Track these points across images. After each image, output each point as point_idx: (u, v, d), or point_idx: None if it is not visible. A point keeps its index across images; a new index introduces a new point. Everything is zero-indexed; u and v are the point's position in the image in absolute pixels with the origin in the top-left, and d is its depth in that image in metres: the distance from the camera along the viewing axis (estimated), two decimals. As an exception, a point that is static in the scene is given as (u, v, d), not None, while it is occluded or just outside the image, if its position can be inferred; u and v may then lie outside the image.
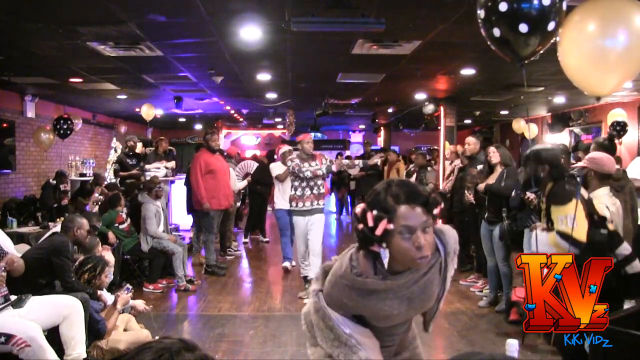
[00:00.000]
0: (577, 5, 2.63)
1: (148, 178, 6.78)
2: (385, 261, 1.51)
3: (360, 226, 1.47)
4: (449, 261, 1.64)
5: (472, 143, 5.64)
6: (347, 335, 1.52)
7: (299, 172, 5.29)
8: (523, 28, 2.51)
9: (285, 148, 6.92)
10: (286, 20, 4.27)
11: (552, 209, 3.06)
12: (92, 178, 8.28)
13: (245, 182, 7.82)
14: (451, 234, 1.65)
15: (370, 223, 1.43)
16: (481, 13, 2.67)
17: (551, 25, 2.53)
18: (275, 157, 7.19)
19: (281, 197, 6.56)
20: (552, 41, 2.66)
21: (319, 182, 5.44)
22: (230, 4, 4.14)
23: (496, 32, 2.61)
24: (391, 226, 1.42)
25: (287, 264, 6.61)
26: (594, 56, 2.58)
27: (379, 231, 1.42)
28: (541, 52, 2.68)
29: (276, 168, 6.72)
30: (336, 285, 1.54)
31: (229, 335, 4.31)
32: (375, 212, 1.43)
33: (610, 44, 2.54)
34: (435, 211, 1.47)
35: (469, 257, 6.60)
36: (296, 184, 5.39)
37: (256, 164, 8.02)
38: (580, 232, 2.89)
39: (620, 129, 8.46)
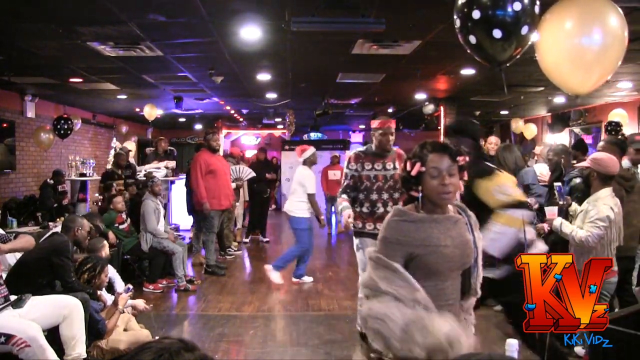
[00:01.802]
0: (553, 5, 2.65)
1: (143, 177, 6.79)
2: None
3: (403, 174, 1.92)
4: (474, 227, 1.98)
5: (495, 143, 5.73)
6: (408, 274, 1.75)
7: (365, 188, 3.75)
8: (497, 34, 2.57)
9: (311, 151, 6.07)
10: (286, 20, 4.27)
11: (481, 183, 2.76)
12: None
13: (233, 185, 7.68)
14: (470, 210, 2.03)
15: (409, 168, 1.87)
16: (457, 21, 2.72)
17: (525, 29, 2.56)
18: (300, 159, 6.18)
19: (302, 200, 5.80)
20: (529, 44, 2.69)
21: (398, 194, 3.78)
22: (230, 4, 4.14)
23: (472, 39, 2.67)
24: (423, 168, 1.84)
25: (277, 275, 5.86)
26: (571, 55, 2.61)
27: (414, 172, 1.85)
28: (518, 55, 2.71)
29: (309, 177, 5.86)
30: (389, 226, 1.87)
31: (229, 335, 4.31)
32: (412, 160, 1.88)
33: (587, 43, 2.57)
34: (460, 158, 1.86)
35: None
36: (361, 196, 3.82)
37: (251, 172, 7.89)
38: (521, 194, 2.80)
39: (611, 129, 8.44)
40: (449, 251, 1.83)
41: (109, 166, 9.83)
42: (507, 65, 2.74)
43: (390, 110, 11.66)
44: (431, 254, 1.81)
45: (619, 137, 4.56)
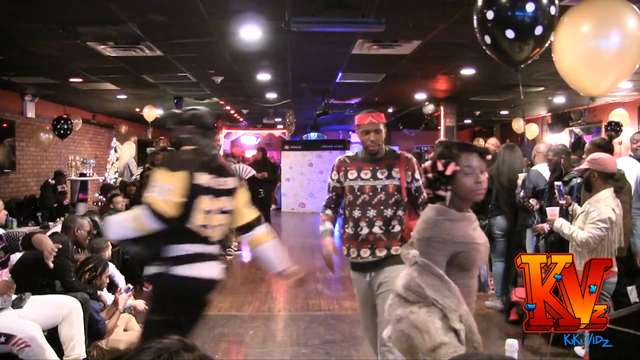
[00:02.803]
0: (571, 7, 2.64)
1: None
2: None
3: (430, 175, 1.93)
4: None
5: (495, 145, 5.75)
6: (454, 286, 1.74)
7: (349, 203, 2.91)
8: (509, 34, 2.57)
9: None
10: (286, 20, 4.27)
11: (157, 171, 2.43)
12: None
13: None
14: None
15: (441, 168, 1.89)
16: (475, 21, 2.73)
17: (538, 30, 2.55)
18: None
19: None
20: (547, 44, 2.68)
21: (390, 211, 2.84)
22: (230, 4, 4.14)
23: (487, 39, 2.67)
24: (457, 167, 1.87)
25: None
26: (588, 57, 2.58)
27: (448, 171, 1.87)
28: (536, 55, 2.70)
29: None
30: (434, 225, 1.87)
31: (229, 335, 4.30)
32: (443, 160, 1.90)
33: (604, 45, 2.53)
34: (488, 157, 1.97)
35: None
36: (346, 212, 2.96)
37: (252, 171, 7.89)
38: (169, 204, 2.30)
39: (611, 129, 8.44)
40: (482, 248, 1.90)
41: (108, 166, 9.85)
42: (522, 65, 2.73)
43: (390, 110, 11.68)
44: (470, 251, 1.86)
45: (604, 138, 4.55)
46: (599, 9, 2.63)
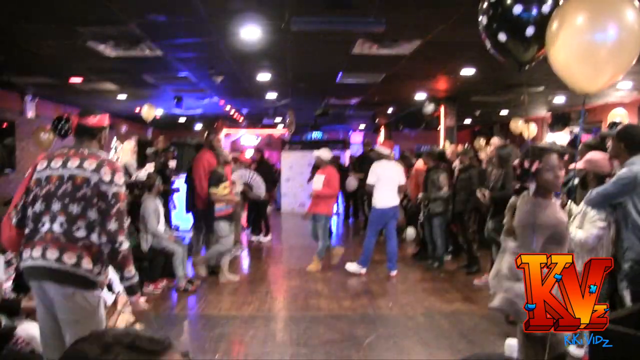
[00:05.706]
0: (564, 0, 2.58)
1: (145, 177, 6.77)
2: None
3: (518, 171, 2.46)
4: None
5: (495, 145, 5.78)
6: None
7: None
8: (502, 37, 2.61)
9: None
10: (286, 20, 4.27)
11: None
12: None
13: (241, 188, 7.64)
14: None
15: (527, 166, 2.39)
16: (480, 24, 2.76)
17: (530, 31, 2.54)
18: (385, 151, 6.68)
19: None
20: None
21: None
22: (230, 4, 4.14)
23: (487, 43, 2.70)
24: (540, 165, 2.37)
25: (355, 268, 6.38)
26: (583, 52, 2.49)
27: (533, 169, 2.38)
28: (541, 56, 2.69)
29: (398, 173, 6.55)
30: (532, 214, 2.35)
31: (229, 335, 4.31)
32: (529, 159, 2.40)
33: (600, 39, 2.42)
34: (565, 157, 2.50)
35: (473, 257, 6.59)
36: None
37: (258, 178, 7.83)
38: None
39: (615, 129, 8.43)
40: (565, 233, 2.42)
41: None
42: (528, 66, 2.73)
43: (390, 110, 11.69)
44: (563, 229, 2.41)
45: (593, 139, 4.46)
46: (595, 1, 2.52)
